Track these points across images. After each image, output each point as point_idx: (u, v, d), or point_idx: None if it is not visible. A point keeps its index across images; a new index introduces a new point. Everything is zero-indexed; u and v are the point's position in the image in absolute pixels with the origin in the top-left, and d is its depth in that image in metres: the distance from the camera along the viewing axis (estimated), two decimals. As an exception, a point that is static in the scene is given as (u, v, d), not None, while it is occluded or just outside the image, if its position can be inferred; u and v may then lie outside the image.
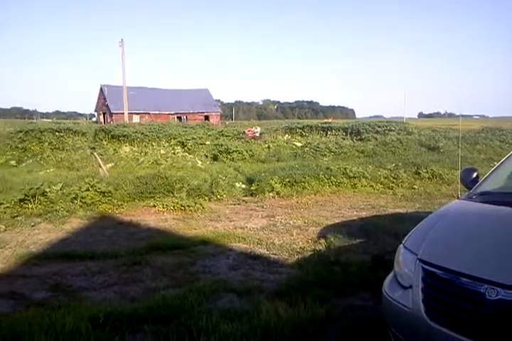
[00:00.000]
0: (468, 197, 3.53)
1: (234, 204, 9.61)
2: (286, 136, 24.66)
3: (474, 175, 3.88)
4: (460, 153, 9.46)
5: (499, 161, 4.02)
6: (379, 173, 11.97)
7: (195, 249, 6.18)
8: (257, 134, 24.19)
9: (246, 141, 21.25)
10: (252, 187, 10.76)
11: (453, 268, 2.59)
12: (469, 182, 3.84)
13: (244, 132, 24.64)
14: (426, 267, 2.75)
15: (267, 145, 20.53)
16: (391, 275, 3.23)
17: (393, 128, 24.44)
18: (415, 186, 11.40)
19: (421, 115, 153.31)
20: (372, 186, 11.30)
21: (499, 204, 3.13)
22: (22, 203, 8.43)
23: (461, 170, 4.09)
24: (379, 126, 25.09)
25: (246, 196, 10.47)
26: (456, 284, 2.53)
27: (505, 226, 2.87)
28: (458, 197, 3.68)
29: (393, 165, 12.98)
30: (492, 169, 3.91)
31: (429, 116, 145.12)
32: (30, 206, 8.41)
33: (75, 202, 8.67)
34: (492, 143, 20.06)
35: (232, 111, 77.61)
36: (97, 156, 13.00)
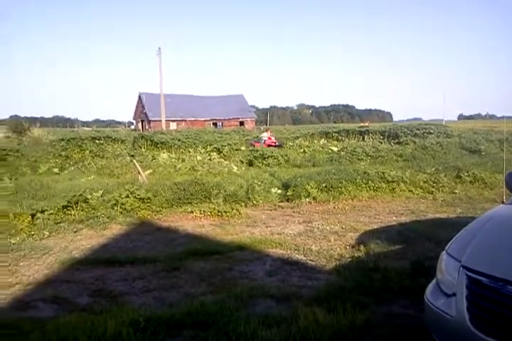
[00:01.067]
0: (514, 202, 3.41)
1: (270, 210, 9.61)
2: (322, 140, 24.54)
3: (520, 179, 3.75)
4: (504, 156, 9.13)
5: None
6: (418, 177, 11.70)
7: (232, 254, 6.21)
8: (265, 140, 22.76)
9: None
10: (288, 193, 10.72)
11: (499, 276, 2.50)
12: (515, 186, 3.71)
13: (250, 143, 22.69)
14: (470, 274, 2.66)
15: (302, 150, 20.47)
16: (433, 282, 3.14)
17: (432, 131, 23.91)
18: (456, 190, 11.08)
19: (461, 117, 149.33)
20: (412, 191, 11.04)
21: (546, 209, 3.01)
22: (65, 210, 8.69)
23: (506, 174, 3.95)
24: (417, 129, 24.60)
25: (282, 201, 10.43)
26: (502, 292, 2.45)
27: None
28: (503, 202, 3.56)
29: (433, 169, 12.66)
30: (539, 173, 3.76)
31: (470, 117, 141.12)
32: (72, 212, 8.66)
33: (115, 208, 8.88)
34: (538, 146, 19.30)
35: (267, 116, 77.71)
36: (136, 163, 13.27)
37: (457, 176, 12.05)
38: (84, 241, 7.17)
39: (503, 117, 10.23)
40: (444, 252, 3.10)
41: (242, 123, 58.02)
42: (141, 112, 58.53)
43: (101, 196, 9.22)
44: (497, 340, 2.35)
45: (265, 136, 23.79)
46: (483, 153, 17.19)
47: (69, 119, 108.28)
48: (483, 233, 2.99)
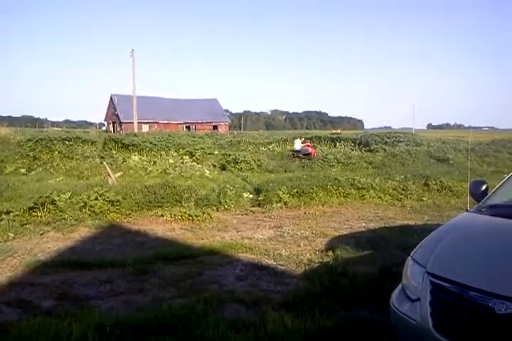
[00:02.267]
0: (478, 210, 3.51)
1: (241, 215, 9.61)
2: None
3: (483, 187, 3.86)
4: (469, 165, 9.41)
5: (509, 174, 4.00)
6: (387, 185, 11.92)
7: (202, 258, 6.18)
8: (305, 148, 20.11)
9: (254, 151, 21.06)
10: (259, 198, 10.75)
11: (461, 282, 2.57)
12: (478, 194, 3.82)
13: (296, 151, 20.31)
14: (434, 280, 2.73)
15: (274, 156, 20.53)
16: (399, 287, 3.21)
17: (402, 140, 24.43)
18: (424, 198, 11.33)
19: (430, 126, 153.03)
20: (381, 197, 11.24)
21: (509, 218, 3.11)
22: (31, 211, 8.49)
23: (470, 183, 4.07)
24: (388, 137, 25.09)
25: (253, 206, 10.46)
26: (464, 298, 2.51)
27: (514, 240, 2.85)
28: (467, 210, 3.66)
29: (402, 176, 12.92)
30: (501, 182, 3.88)
31: (439, 127, 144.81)
32: (39, 214, 8.46)
33: (84, 210, 8.72)
34: (502, 156, 19.97)
35: (241, 121, 77.86)
36: (106, 165, 13.08)
37: (425, 184, 12.33)
38: (51, 243, 7.02)
39: (470, 127, 10.52)
40: (409, 258, 3.17)
41: (215, 127, 57.91)
42: (112, 114, 57.71)
43: (69, 198, 9.04)
44: (458, 344, 2.41)
45: (299, 143, 21.01)
46: (450, 162, 17.64)
47: (38, 119, 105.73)
48: (447, 240, 3.07)
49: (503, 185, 3.79)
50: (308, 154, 19.69)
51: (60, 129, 54.79)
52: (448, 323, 2.54)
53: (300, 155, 19.84)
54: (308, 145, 20.72)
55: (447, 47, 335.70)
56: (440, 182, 12.29)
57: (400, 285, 3.21)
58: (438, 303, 2.65)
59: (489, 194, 3.73)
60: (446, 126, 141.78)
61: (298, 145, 20.78)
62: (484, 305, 2.40)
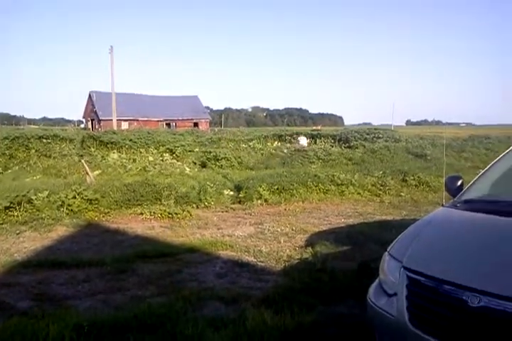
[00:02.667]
0: (453, 205, 3.56)
1: (222, 212, 9.59)
2: (276, 143, 24.73)
3: (459, 182, 3.91)
4: (446, 160, 9.56)
5: (484, 169, 4.07)
6: (366, 181, 12.03)
7: (182, 256, 6.15)
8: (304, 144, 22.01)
9: (236, 148, 21.10)
10: (240, 195, 10.75)
11: (436, 276, 2.61)
12: (454, 189, 3.87)
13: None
14: (410, 275, 2.76)
15: (255, 153, 20.55)
16: (376, 282, 3.24)
17: (381, 136, 24.66)
18: (402, 193, 11.48)
19: (409, 122, 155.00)
20: (360, 193, 11.35)
21: (482, 212, 3.16)
22: (7, 211, 8.31)
23: (446, 178, 4.12)
24: (367, 134, 25.30)
25: (234, 203, 10.45)
26: (439, 292, 2.55)
27: (488, 234, 2.90)
28: (443, 205, 3.71)
29: (381, 172, 13.05)
30: (476, 177, 3.94)
31: (417, 123, 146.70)
32: (15, 213, 8.30)
33: (61, 209, 8.59)
34: (478, 151, 20.30)
35: (222, 118, 77.63)
36: (84, 163, 12.90)
37: (403, 179, 12.49)
38: (28, 243, 6.90)
39: (447, 124, 10.65)
40: (386, 253, 3.20)
41: (196, 124, 57.65)
42: (91, 111, 56.97)
43: (46, 197, 8.88)
44: (433, 337, 2.44)
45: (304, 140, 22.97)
46: (428, 158, 17.85)
47: (14, 117, 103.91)
48: (423, 235, 3.11)
49: (478, 180, 3.85)
50: None
51: (37, 127, 53.82)
52: (424, 317, 2.58)
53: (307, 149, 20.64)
54: None
55: (425, 44, 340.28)
56: (418, 177, 12.46)
57: (377, 280, 3.24)
58: (414, 297, 2.68)
59: (464, 189, 3.79)
60: (424, 123, 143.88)
61: (304, 141, 22.90)
62: (458, 299, 2.43)
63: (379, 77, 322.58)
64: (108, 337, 3.59)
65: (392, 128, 40.88)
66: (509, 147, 4.08)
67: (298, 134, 25.98)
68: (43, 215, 8.21)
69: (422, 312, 2.60)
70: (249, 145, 22.89)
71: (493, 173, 3.91)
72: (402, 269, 2.84)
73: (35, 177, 13.39)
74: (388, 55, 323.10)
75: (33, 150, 18.02)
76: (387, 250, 3.22)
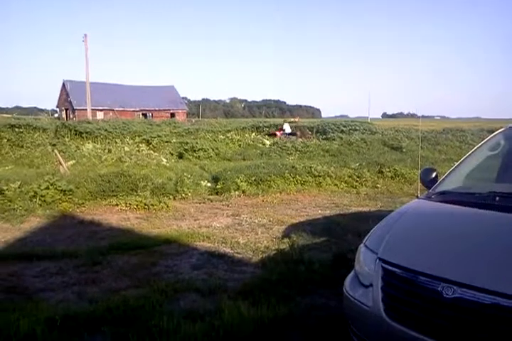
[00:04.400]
0: (427, 197, 3.60)
1: (199, 203, 9.54)
2: (253, 134, 24.72)
3: (433, 175, 3.96)
4: (421, 153, 9.67)
5: (458, 161, 4.12)
6: (343, 172, 12.10)
7: (158, 248, 6.09)
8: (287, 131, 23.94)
9: (213, 140, 21.08)
10: (217, 186, 10.70)
11: (411, 267, 2.63)
12: (428, 181, 3.91)
13: (289, 133, 24.10)
14: (385, 266, 2.78)
15: (233, 144, 20.50)
16: (352, 274, 3.25)
17: (358, 128, 24.88)
18: (378, 185, 11.60)
19: (384, 115, 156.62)
20: (337, 185, 11.42)
21: (456, 204, 3.20)
22: (-23, 202, 8.12)
23: (421, 170, 4.16)
24: (344, 126, 25.50)
25: (211, 195, 10.40)
26: (414, 283, 2.57)
27: (461, 226, 2.94)
28: (417, 197, 3.75)
29: (357, 164, 13.14)
30: (450, 169, 4.00)
31: (393, 116, 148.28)
32: (-15, 204, 8.10)
33: (34, 200, 8.40)
34: (452, 144, 20.61)
35: (199, 108, 76.95)
36: (57, 153, 12.65)
37: (379, 171, 12.60)
38: (-1, 234, 6.74)
39: (422, 116, 10.77)
40: (362, 244, 3.22)
41: (173, 115, 57.06)
42: (65, 100, 55.79)
43: (18, 187, 8.68)
44: (408, 328, 2.47)
45: (288, 126, 25.00)
46: (403, 150, 18.07)
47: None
48: (397, 226, 3.13)
49: (452, 172, 3.90)
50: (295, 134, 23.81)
51: (10, 116, 52.48)
52: (399, 308, 2.60)
53: (290, 136, 23.20)
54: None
55: (401, 36, 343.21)
56: (394, 169, 12.59)
57: (353, 272, 3.26)
58: (389, 289, 2.70)
59: (438, 181, 3.83)
60: (400, 115, 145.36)
61: (288, 128, 24.93)
62: (433, 290, 2.46)
63: (356, 70, 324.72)
64: (81, 331, 3.53)
65: (369, 121, 41.22)
66: (482, 140, 4.14)
67: (279, 125, 26.30)
68: (15, 206, 8.03)
69: (397, 303, 2.62)
70: (227, 137, 22.82)
71: (467, 166, 3.97)
72: (377, 260, 2.86)
73: (6, 168, 13.09)
74: (365, 47, 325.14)
75: (5, 140, 17.63)
76: (363, 241, 3.24)
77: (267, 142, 20.59)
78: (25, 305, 4.01)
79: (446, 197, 3.44)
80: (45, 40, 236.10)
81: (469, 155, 4.02)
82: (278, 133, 24.32)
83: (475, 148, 4.09)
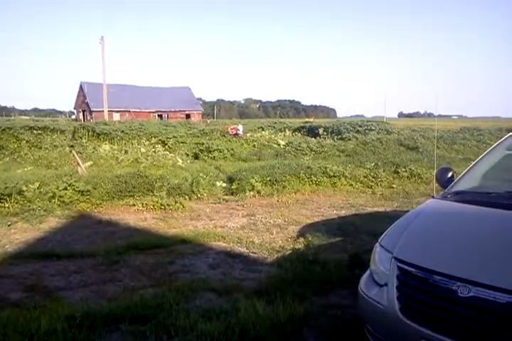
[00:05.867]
0: (443, 197, 3.59)
1: (214, 203, 9.60)
2: (268, 134, 24.76)
3: (449, 174, 3.94)
4: (437, 152, 9.59)
5: (475, 161, 4.09)
6: (358, 172, 12.06)
7: (174, 248, 6.16)
8: (240, 132, 24.14)
9: (228, 140, 21.21)
10: (232, 186, 10.75)
11: (427, 267, 2.63)
12: (444, 181, 3.90)
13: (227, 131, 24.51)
14: (401, 265, 2.79)
15: (248, 144, 20.56)
16: (367, 273, 3.26)
17: (373, 128, 24.70)
18: (394, 185, 11.53)
19: (401, 115, 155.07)
20: (352, 185, 11.39)
21: (473, 204, 3.19)
22: (-2, 202, 8.29)
23: (437, 170, 4.15)
24: (360, 126, 25.35)
25: (227, 195, 10.46)
26: (429, 282, 2.58)
27: (478, 226, 2.93)
28: (433, 197, 3.74)
29: (373, 164, 13.08)
30: (467, 169, 3.97)
31: (409, 115, 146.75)
32: (6, 205, 8.26)
33: (53, 201, 8.55)
34: (469, 143, 20.37)
35: (214, 109, 77.26)
36: (75, 154, 12.84)
37: (395, 171, 12.53)
38: (19, 234, 6.87)
39: (439, 116, 10.66)
40: (377, 244, 3.23)
41: (188, 116, 57.38)
42: (82, 102, 56.49)
43: (37, 188, 8.84)
44: (423, 327, 2.48)
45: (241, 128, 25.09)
46: (420, 150, 17.91)
47: (5, 108, 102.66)
48: (413, 226, 3.13)
49: (468, 172, 3.88)
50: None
51: (28, 118, 53.43)
52: (414, 307, 2.61)
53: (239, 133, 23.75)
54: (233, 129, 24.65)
55: (418, 35, 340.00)
56: (410, 169, 12.50)
57: (368, 271, 3.27)
58: (404, 288, 2.71)
59: (455, 181, 3.81)
60: (416, 115, 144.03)
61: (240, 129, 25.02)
62: (448, 289, 2.46)
63: (372, 70, 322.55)
64: (100, 328, 3.60)
65: (385, 120, 40.89)
66: (500, 139, 4.11)
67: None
68: (35, 207, 8.18)
69: (412, 302, 2.63)
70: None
71: (484, 165, 3.94)
72: (392, 260, 2.87)
73: (26, 169, 13.30)
74: (381, 47, 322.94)
75: (24, 142, 17.92)
76: (379, 241, 3.24)
77: (282, 142, 20.58)
78: (46, 303, 4.10)
79: (462, 196, 3.43)
80: (64, 43, 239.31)
81: (486, 154, 3.99)
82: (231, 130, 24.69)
83: (492, 147, 4.06)
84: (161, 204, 8.77)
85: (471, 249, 2.67)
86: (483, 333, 2.29)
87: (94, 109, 50.41)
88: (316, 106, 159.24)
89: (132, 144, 18.81)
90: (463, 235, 2.87)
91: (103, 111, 42.40)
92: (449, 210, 3.35)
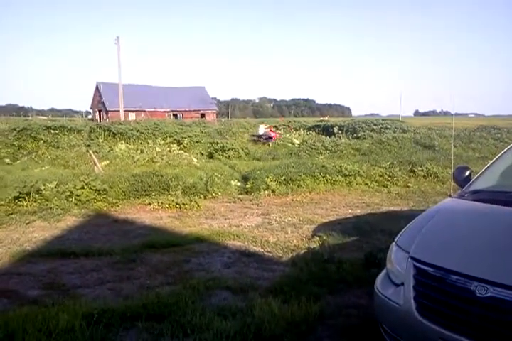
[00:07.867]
0: (461, 196, 3.55)
1: (229, 202, 9.62)
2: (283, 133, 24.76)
3: (467, 173, 3.90)
4: (454, 151, 9.50)
5: (492, 160, 4.04)
6: (374, 171, 11.99)
7: (189, 246, 6.19)
8: (272, 134, 21.85)
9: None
10: (247, 185, 10.77)
11: (444, 266, 2.61)
12: (462, 180, 3.86)
13: (258, 135, 22.26)
14: (417, 265, 2.77)
15: (262, 144, 20.57)
16: (383, 272, 3.25)
17: (389, 127, 24.48)
18: (410, 184, 11.44)
19: (417, 113, 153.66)
20: (367, 184, 11.32)
21: (490, 203, 3.15)
22: (16, 201, 8.43)
23: (454, 169, 4.10)
24: (375, 124, 25.15)
25: (241, 194, 10.48)
26: (446, 282, 2.55)
27: (496, 225, 2.89)
28: (450, 196, 3.70)
29: (388, 163, 13.00)
30: (484, 168, 3.92)
31: (425, 114, 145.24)
32: (24, 204, 8.40)
33: (70, 199, 8.67)
34: (487, 142, 20.09)
35: (229, 108, 77.31)
36: (92, 154, 12.98)
37: (411, 170, 12.43)
38: (37, 233, 6.97)
39: (456, 114, 10.54)
40: (393, 243, 3.20)
41: (203, 115, 57.55)
42: (98, 102, 57.03)
43: (55, 187, 8.97)
44: (440, 326, 2.46)
45: (262, 129, 23.39)
46: (436, 149, 17.73)
47: (23, 108, 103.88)
48: (430, 225, 3.10)
49: (486, 170, 3.83)
50: (270, 138, 21.42)
51: (45, 118, 54.04)
52: (431, 307, 2.59)
53: (261, 139, 21.71)
54: (272, 131, 22.74)
55: (434, 34, 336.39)
56: (426, 168, 12.40)
57: (384, 270, 3.25)
58: (421, 287, 2.69)
59: (472, 180, 3.77)
60: (432, 113, 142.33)
61: (261, 130, 23.05)
62: (466, 289, 2.44)
63: (387, 68, 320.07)
64: (117, 326, 3.64)
65: (400, 119, 40.53)
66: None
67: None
68: (52, 205, 8.30)
69: (429, 301, 2.61)
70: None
71: (502, 164, 3.89)
72: (409, 259, 2.85)
73: (43, 168, 13.48)
74: (396, 44, 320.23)
75: (42, 141, 18.12)
76: (395, 240, 3.22)
77: (296, 141, 20.55)
78: (64, 301, 4.15)
79: (479, 195, 3.39)
80: (80, 43, 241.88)
81: (504, 153, 3.94)
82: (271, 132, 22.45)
83: (510, 145, 4.00)
84: (177, 203, 8.82)
85: (489, 248, 2.64)
86: (501, 334, 2.26)
87: (110, 109, 50.84)
88: (330, 104, 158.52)
89: (148, 144, 18.93)
90: (480, 234, 2.84)
91: (119, 110, 42.71)
92: (467, 209, 3.31)
